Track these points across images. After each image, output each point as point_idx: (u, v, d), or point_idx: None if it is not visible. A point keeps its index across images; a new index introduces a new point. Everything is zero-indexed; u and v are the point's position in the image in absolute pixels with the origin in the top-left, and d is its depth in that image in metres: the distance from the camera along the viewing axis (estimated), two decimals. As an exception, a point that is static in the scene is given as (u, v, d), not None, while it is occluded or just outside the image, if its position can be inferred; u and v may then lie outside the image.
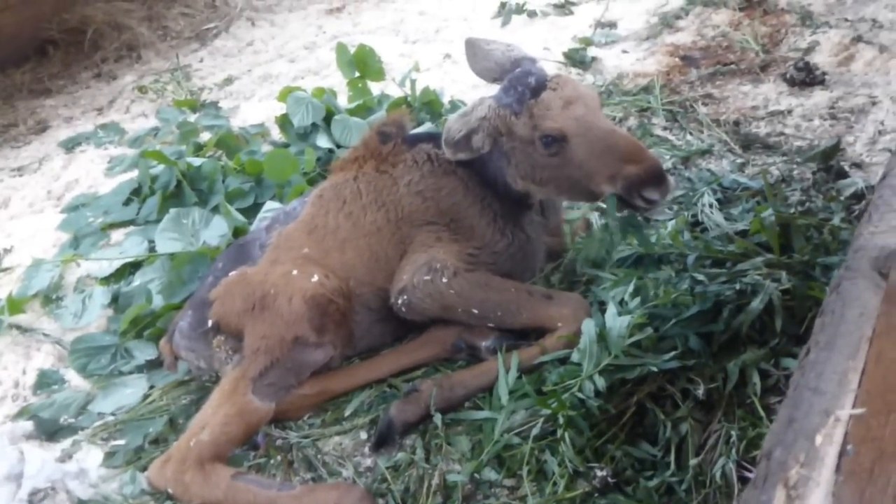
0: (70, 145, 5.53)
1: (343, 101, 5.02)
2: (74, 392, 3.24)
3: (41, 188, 5.00)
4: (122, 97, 6.36)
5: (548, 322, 2.85)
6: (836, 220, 3.00)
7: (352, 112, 4.75)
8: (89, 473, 2.79)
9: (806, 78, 4.61)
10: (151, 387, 3.20)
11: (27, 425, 3.09)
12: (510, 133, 2.86)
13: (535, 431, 2.52)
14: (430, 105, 4.74)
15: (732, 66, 5.00)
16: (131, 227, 4.27)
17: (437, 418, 2.71)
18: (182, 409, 3.05)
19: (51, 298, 3.80)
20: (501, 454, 2.55)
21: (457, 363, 3.01)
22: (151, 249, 3.90)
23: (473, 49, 3.13)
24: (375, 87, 5.11)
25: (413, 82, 4.79)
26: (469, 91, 5.06)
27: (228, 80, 6.30)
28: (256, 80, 6.25)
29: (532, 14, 6.42)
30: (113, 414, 3.11)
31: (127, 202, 4.43)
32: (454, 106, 4.77)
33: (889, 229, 1.97)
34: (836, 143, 3.76)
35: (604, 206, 2.93)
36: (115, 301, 3.67)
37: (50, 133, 5.91)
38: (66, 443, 2.99)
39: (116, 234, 4.26)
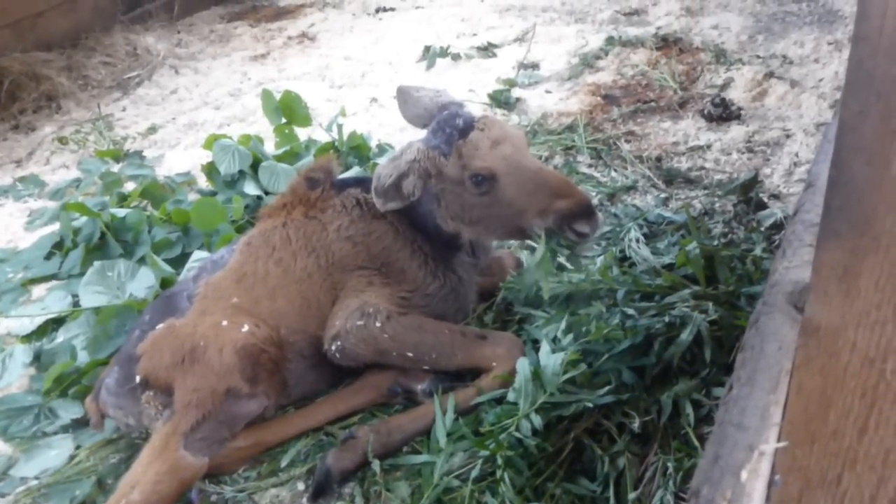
0: (-12, 199, 5.36)
1: (270, 147, 5.00)
2: (-5, 456, 3.11)
3: (-43, 244, 4.83)
4: (41, 149, 6.20)
5: (483, 362, 2.86)
6: (757, 251, 3.09)
7: (279, 158, 4.72)
8: (13, 543, 2.67)
9: (723, 113, 4.78)
10: (78, 447, 3.08)
11: (-56, 495, 2.95)
12: (440, 174, 2.88)
13: (474, 473, 2.51)
14: (358, 149, 4.75)
15: (652, 103, 5.15)
16: (53, 282, 4.15)
17: (376, 465, 2.67)
18: (111, 468, 2.94)
19: (-31, 359, 3.65)
20: (442, 498, 2.53)
21: (393, 408, 2.99)
22: (75, 304, 3.79)
23: (404, 97, 3.15)
24: (302, 133, 5.10)
25: (340, 127, 4.80)
26: (397, 134, 5.10)
27: (152, 129, 6.21)
28: (181, 128, 6.17)
29: (456, 57, 6.51)
30: (37, 478, 2.98)
31: (48, 256, 4.30)
32: (382, 149, 4.80)
33: (802, 264, 2.04)
34: (755, 176, 3.88)
35: (534, 245, 2.95)
36: (38, 359, 3.54)
37: (-35, 187, 5.72)
38: (-13, 511, 2.86)
39: (38, 290, 4.13)
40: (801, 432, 1.21)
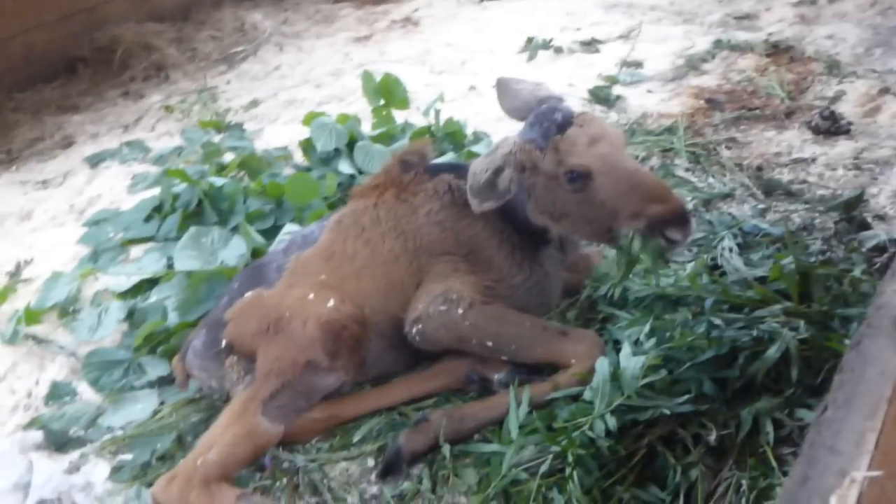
0: (95, 161, 5.59)
1: (367, 128, 5.05)
2: (85, 405, 3.25)
3: (64, 202, 5.06)
4: (148, 116, 6.43)
5: (561, 358, 2.83)
6: (856, 272, 2.97)
7: (375, 139, 4.77)
8: (95, 487, 2.80)
9: (831, 127, 4.60)
10: (162, 403, 3.21)
11: (37, 436, 3.11)
12: (534, 168, 2.85)
13: (543, 468, 2.49)
14: (454, 136, 4.76)
15: (757, 111, 5.00)
16: (151, 244, 4.30)
17: (446, 449, 2.69)
18: (191, 427, 3.05)
19: (67, 311, 3.83)
20: (508, 489, 2.52)
21: (468, 395, 3.00)
22: (169, 267, 3.93)
23: (503, 88, 3.14)
24: (399, 116, 5.14)
25: (437, 112, 4.82)
26: (493, 123, 5.08)
27: (254, 103, 6.36)
28: (282, 104, 6.31)
29: (558, 50, 6.45)
30: (122, 428, 3.11)
31: (148, 219, 4.46)
32: (477, 137, 4.80)
33: (913, 288, 1.95)
34: (860, 194, 3.73)
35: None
36: (131, 316, 3.69)
37: (75, 148, 5.99)
38: (74, 455, 3.00)
39: (136, 250, 4.29)
40: (894, 465, 1.17)
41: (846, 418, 1.50)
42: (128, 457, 2.95)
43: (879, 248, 3.32)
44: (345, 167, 4.53)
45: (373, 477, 2.74)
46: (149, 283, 3.87)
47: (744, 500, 2.28)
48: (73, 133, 6.26)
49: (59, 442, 3.07)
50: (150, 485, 2.74)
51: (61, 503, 2.74)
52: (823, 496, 1.33)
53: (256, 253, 3.79)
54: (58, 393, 3.34)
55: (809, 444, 1.49)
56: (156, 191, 4.71)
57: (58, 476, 2.82)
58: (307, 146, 4.78)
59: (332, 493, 2.69)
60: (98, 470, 2.90)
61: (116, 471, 2.88)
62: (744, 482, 2.32)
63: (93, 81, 7.10)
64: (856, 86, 5.10)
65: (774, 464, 2.35)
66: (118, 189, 5.09)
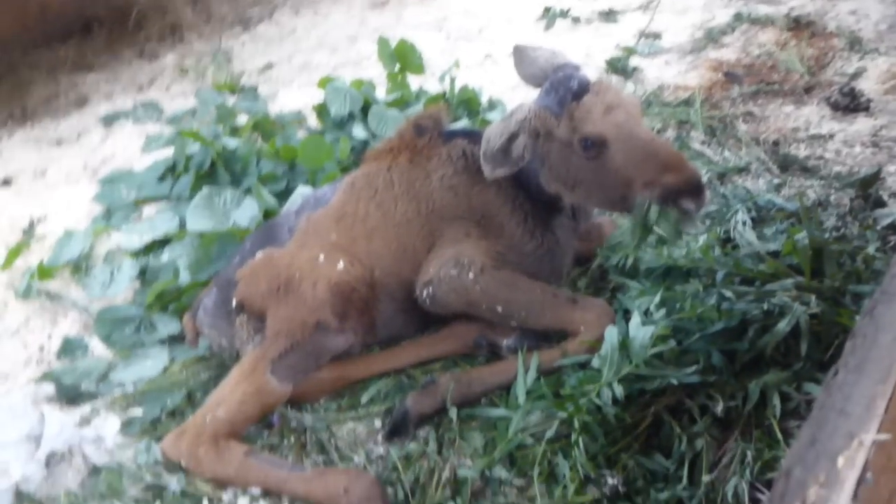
0: (109, 120, 5.59)
1: (381, 93, 5.03)
2: (97, 360, 3.28)
3: (78, 160, 5.07)
4: (162, 76, 6.42)
5: (571, 326, 2.84)
6: (870, 249, 2.94)
7: (389, 105, 4.76)
8: (106, 440, 2.83)
9: (850, 104, 4.55)
10: (172, 360, 3.23)
11: (49, 389, 3.14)
12: (549, 135, 2.84)
13: (549, 434, 2.50)
14: (468, 103, 4.74)
15: (776, 85, 4.95)
16: (163, 204, 4.32)
17: (453, 412, 2.71)
18: (201, 384, 3.07)
19: (80, 268, 3.85)
20: (514, 453, 2.55)
21: (476, 359, 3.01)
22: (182, 226, 3.94)
23: (520, 56, 3.11)
24: (414, 82, 5.11)
25: (452, 79, 4.80)
26: (508, 92, 5.05)
27: (269, 66, 6.34)
28: (296, 67, 6.28)
29: (576, 20, 6.39)
30: (133, 384, 3.14)
31: (161, 179, 4.47)
32: (492, 105, 4.78)
33: (928, 255, 1.94)
34: (877, 172, 3.70)
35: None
36: (143, 274, 3.72)
37: (90, 107, 5.98)
38: (85, 409, 3.03)
39: (148, 210, 4.31)
40: (903, 433, 1.17)
41: (857, 382, 1.50)
42: (138, 412, 2.98)
43: (894, 227, 3.29)
44: (358, 132, 4.53)
45: (379, 437, 2.76)
46: (161, 243, 3.89)
47: (748, 471, 2.29)
48: (88, 92, 6.25)
49: (70, 395, 3.10)
50: (159, 439, 2.77)
51: (72, 455, 2.77)
52: (831, 457, 1.33)
53: (268, 215, 3.80)
54: (70, 348, 3.37)
55: (819, 406, 1.49)
56: (169, 151, 4.71)
57: (69, 429, 2.85)
58: (321, 110, 4.77)
59: (338, 452, 2.72)
60: (109, 424, 2.93)
61: (127, 425, 2.91)
62: (749, 453, 2.33)
63: (108, 41, 7.07)
64: (877, 63, 5.04)
65: (780, 436, 2.35)
66: (132, 149, 5.09)
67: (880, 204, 3.54)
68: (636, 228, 2.74)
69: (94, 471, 2.69)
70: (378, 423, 2.82)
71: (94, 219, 4.27)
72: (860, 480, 1.33)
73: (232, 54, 6.66)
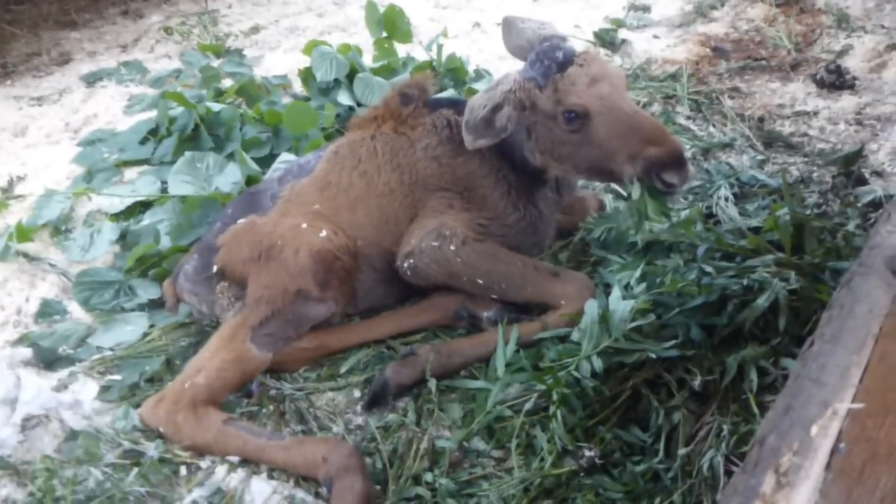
0: (91, 80, 5.53)
1: (368, 59, 4.99)
2: (75, 324, 3.26)
3: (59, 120, 5.01)
4: (147, 36, 6.34)
5: (551, 299, 2.85)
6: (850, 226, 2.97)
7: (375, 71, 4.71)
8: (83, 405, 2.81)
9: (836, 81, 4.56)
10: (151, 326, 3.22)
11: (26, 352, 3.11)
12: (533, 106, 2.83)
13: (527, 406, 2.53)
14: (455, 72, 4.71)
15: (763, 61, 4.95)
16: (145, 167, 4.28)
17: (432, 384, 2.72)
18: (180, 350, 3.06)
19: (60, 230, 3.82)
20: (492, 425, 2.57)
21: (457, 331, 3.02)
22: (163, 190, 3.91)
23: (509, 27, 3.08)
24: (401, 49, 5.07)
25: (440, 47, 4.76)
26: (496, 61, 5.02)
27: (255, 29, 6.27)
28: (283, 31, 6.21)
29: (566, -10, 6.35)
30: (111, 349, 3.12)
31: (143, 141, 4.42)
32: (479, 75, 4.75)
33: (907, 230, 1.96)
34: (859, 150, 3.71)
35: (618, 189, 2.89)
36: (123, 238, 3.68)
37: (72, 66, 5.91)
38: (62, 373, 3.01)
39: (130, 172, 4.26)
40: (877, 402, 1.18)
41: (832, 352, 1.52)
42: (116, 377, 2.96)
43: (875, 204, 3.31)
44: (344, 98, 4.49)
45: (358, 408, 2.77)
46: (142, 206, 3.85)
47: (724, 445, 2.30)
48: (71, 50, 6.17)
49: (47, 360, 3.08)
50: (137, 406, 2.76)
51: (48, 420, 2.75)
52: (805, 425, 1.35)
53: (251, 181, 3.77)
54: (48, 311, 3.34)
55: (794, 376, 1.51)
56: (152, 113, 4.66)
57: (46, 393, 2.83)
58: (307, 75, 4.72)
59: (317, 421, 2.72)
60: (86, 389, 2.91)
61: (105, 390, 2.90)
62: (725, 427, 2.34)
63: (92, -2, 6.98)
64: (863, 41, 5.04)
65: (756, 411, 2.37)
66: (114, 109, 5.03)
67: (862, 181, 3.56)
68: (632, 213, 2.74)
69: (71, 435, 2.67)
70: (357, 393, 2.82)
71: (75, 180, 4.22)
72: (834, 449, 1.34)
73: (218, 16, 6.59)
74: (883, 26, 5.26)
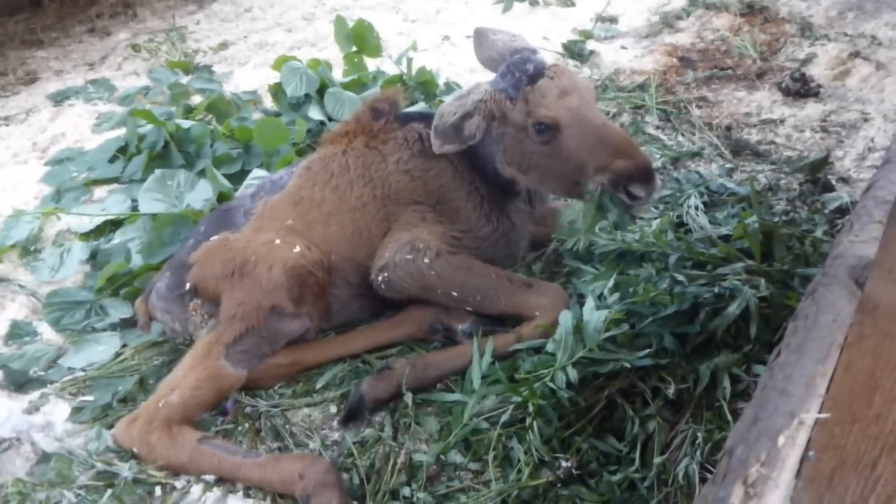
0: (59, 98, 5.47)
1: (338, 74, 4.99)
2: (46, 345, 3.22)
3: (26, 139, 4.95)
4: (114, 54, 6.30)
5: (526, 310, 2.86)
6: (818, 233, 3.01)
7: (346, 86, 4.72)
8: (55, 427, 2.77)
9: (801, 89, 4.63)
10: (124, 345, 3.19)
11: (-4, 375, 3.07)
12: (503, 118, 2.85)
13: (504, 418, 2.54)
14: (426, 85, 4.72)
15: (729, 70, 5.02)
16: (115, 185, 4.24)
17: (408, 397, 2.71)
18: (153, 369, 3.04)
19: (29, 250, 3.78)
20: (469, 438, 2.57)
21: (432, 344, 3.02)
22: (134, 208, 3.88)
23: (480, 39, 3.11)
24: (371, 63, 5.08)
25: (410, 61, 4.77)
26: (466, 74, 5.05)
27: (224, 45, 6.25)
28: (252, 46, 6.20)
29: (534, 3, 6.40)
30: (83, 370, 3.09)
31: (112, 159, 4.39)
32: (449, 88, 4.76)
33: (869, 239, 1.99)
34: (825, 157, 3.77)
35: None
36: (94, 257, 3.65)
37: (39, 85, 5.85)
38: (34, 395, 2.97)
39: (99, 191, 4.23)
40: (843, 411, 1.19)
41: (798, 362, 1.53)
42: (89, 398, 2.93)
43: (842, 210, 3.37)
44: (314, 113, 4.48)
45: (335, 423, 2.76)
46: (112, 225, 3.82)
47: (698, 453, 2.33)
48: (37, 69, 6.11)
49: (18, 382, 3.04)
50: (110, 426, 2.74)
51: (20, 443, 2.72)
52: (772, 436, 1.36)
53: (223, 197, 3.75)
54: (18, 332, 3.30)
55: (762, 386, 1.52)
56: (121, 131, 4.63)
57: (17, 415, 2.79)
58: (277, 91, 4.71)
59: (293, 438, 2.71)
60: (58, 410, 2.88)
61: (77, 412, 2.87)
62: (699, 435, 2.37)
63: (58, 16, 6.92)
64: (827, 49, 5.13)
65: (730, 417, 2.39)
66: (82, 128, 4.99)
67: (828, 188, 3.62)
68: (588, 212, 2.76)
69: (44, 458, 2.64)
70: (333, 408, 2.81)
71: (44, 199, 4.18)
72: (803, 458, 1.36)
73: (186, 32, 6.56)
74: (846, 34, 5.36)
